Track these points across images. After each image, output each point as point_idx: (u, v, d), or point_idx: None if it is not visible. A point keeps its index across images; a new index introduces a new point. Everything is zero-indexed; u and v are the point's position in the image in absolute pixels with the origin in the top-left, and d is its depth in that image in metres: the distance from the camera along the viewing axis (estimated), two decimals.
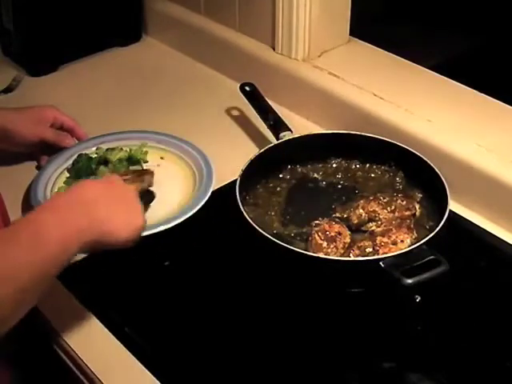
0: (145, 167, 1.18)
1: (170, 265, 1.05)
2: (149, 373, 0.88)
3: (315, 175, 1.17)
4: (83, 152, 1.20)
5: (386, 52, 1.39)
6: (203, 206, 1.09)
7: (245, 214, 1.01)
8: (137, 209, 0.93)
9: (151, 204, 1.10)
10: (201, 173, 1.16)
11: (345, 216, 1.07)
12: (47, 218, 0.81)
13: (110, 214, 0.87)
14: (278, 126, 1.22)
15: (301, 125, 1.30)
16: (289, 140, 1.18)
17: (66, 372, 0.93)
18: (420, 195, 1.11)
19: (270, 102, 1.28)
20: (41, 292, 0.79)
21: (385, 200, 1.07)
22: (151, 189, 1.07)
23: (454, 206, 1.09)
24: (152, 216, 1.04)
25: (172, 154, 1.22)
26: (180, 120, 1.35)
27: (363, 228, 1.06)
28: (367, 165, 1.17)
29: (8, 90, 1.45)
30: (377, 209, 1.06)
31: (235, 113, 1.37)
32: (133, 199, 0.93)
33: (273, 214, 1.09)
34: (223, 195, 1.10)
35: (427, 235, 0.97)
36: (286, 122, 1.23)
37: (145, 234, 0.95)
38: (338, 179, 1.16)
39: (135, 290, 1.01)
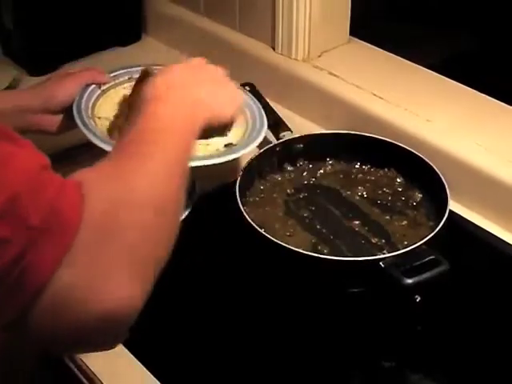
0: None
1: (168, 267, 1.05)
2: (148, 372, 0.88)
3: (315, 175, 1.17)
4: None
5: (385, 52, 1.39)
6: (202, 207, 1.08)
7: (245, 214, 1.01)
8: (230, 84, 0.91)
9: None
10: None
11: None
12: (162, 110, 0.75)
13: (209, 94, 0.84)
14: (277, 125, 1.22)
15: (300, 125, 1.30)
16: (289, 140, 1.18)
17: (64, 371, 0.93)
18: (420, 195, 1.11)
19: (270, 102, 1.28)
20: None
21: None
22: None
23: (453, 205, 1.09)
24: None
25: None
26: None
27: None
28: (367, 165, 1.17)
29: (8, 89, 1.45)
30: None
31: None
32: (223, 77, 0.90)
33: (273, 214, 1.09)
34: (223, 195, 1.10)
35: (427, 235, 0.97)
36: (286, 122, 1.23)
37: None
38: (337, 179, 1.16)
39: None
